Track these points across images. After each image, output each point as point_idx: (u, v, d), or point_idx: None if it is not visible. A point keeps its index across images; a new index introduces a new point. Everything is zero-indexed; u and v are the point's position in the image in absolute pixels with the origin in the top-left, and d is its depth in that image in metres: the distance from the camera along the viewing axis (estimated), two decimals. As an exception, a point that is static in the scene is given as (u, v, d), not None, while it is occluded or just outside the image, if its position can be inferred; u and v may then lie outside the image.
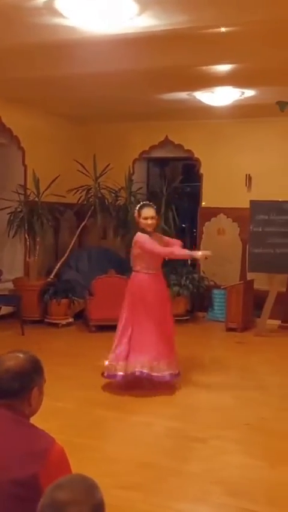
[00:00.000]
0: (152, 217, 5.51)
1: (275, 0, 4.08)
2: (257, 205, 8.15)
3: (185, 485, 3.61)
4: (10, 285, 8.38)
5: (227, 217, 9.07)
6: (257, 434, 4.52)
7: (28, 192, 8.48)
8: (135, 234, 5.65)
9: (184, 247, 6.00)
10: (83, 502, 1.41)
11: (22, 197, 8.44)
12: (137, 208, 5.65)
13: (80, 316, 8.42)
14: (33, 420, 2.07)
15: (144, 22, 4.45)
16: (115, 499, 3.06)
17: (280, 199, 8.15)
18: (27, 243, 8.50)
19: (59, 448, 1.92)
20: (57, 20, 4.46)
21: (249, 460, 4.01)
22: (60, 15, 4.32)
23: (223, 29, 4.56)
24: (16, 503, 1.77)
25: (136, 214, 5.60)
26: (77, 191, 9.03)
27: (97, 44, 5.05)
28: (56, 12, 4.29)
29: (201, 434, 4.44)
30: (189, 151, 9.23)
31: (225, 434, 4.45)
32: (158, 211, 8.62)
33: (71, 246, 9.04)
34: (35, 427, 1.99)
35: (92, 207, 8.97)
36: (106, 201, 9.08)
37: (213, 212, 9.15)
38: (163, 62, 5.70)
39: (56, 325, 8.16)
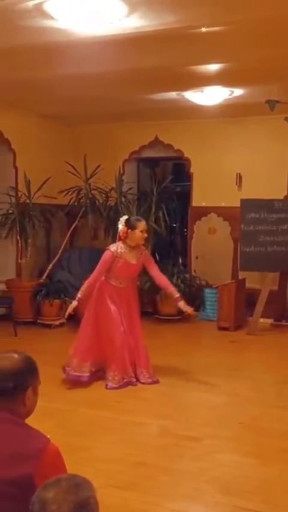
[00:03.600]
0: (146, 231, 5.68)
1: None
2: (247, 204, 8.18)
3: (178, 484, 3.62)
4: (2, 286, 8.38)
5: (218, 216, 9.10)
6: (250, 432, 4.54)
7: (19, 194, 8.48)
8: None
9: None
10: (62, 501, 1.43)
11: (13, 199, 8.43)
12: (132, 220, 5.64)
13: (73, 317, 8.39)
14: (27, 421, 2.08)
15: (133, 23, 4.47)
16: (109, 499, 3.09)
17: (271, 198, 8.18)
18: (19, 244, 8.50)
19: (54, 448, 1.92)
20: (47, 22, 4.46)
21: (242, 458, 4.02)
22: (50, 17, 4.33)
23: (204, 29, 4.58)
24: (11, 503, 1.78)
25: (129, 226, 5.58)
26: (68, 192, 9.03)
27: (87, 45, 5.05)
28: (45, 15, 4.30)
29: (194, 433, 4.45)
30: (179, 151, 9.25)
31: (218, 433, 4.46)
32: (148, 211, 8.78)
33: (62, 247, 9.04)
34: (29, 427, 1.99)
35: (83, 208, 8.97)
36: (97, 201, 9.08)
37: (204, 211, 9.17)
38: (152, 62, 5.71)
39: (48, 326, 8.15)
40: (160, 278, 5.82)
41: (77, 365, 5.61)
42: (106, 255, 5.60)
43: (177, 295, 5.78)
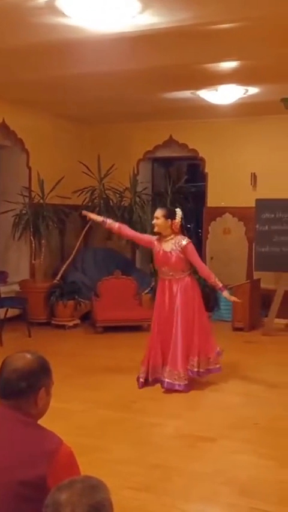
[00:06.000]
0: (155, 218, 5.54)
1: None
2: (262, 204, 8.11)
3: (194, 486, 3.57)
4: (16, 287, 8.38)
5: (233, 216, 9.04)
6: (266, 433, 4.49)
7: (33, 194, 8.48)
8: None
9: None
10: (76, 503, 1.40)
11: (27, 199, 8.44)
12: None
13: (87, 318, 8.40)
14: (40, 422, 2.05)
15: (146, 20, 4.44)
16: (124, 500, 3.06)
17: (286, 197, 8.11)
18: (33, 245, 8.50)
19: (67, 449, 1.90)
20: (59, 20, 4.45)
21: (258, 460, 3.97)
22: (62, 14, 4.31)
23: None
24: (24, 503, 1.75)
25: None
26: (82, 192, 9.02)
27: (99, 43, 5.03)
28: (57, 12, 4.28)
29: (210, 434, 4.41)
30: (193, 150, 9.20)
31: (234, 434, 4.42)
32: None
33: (76, 248, 9.02)
34: (42, 428, 1.97)
35: (97, 208, 8.94)
36: (111, 201, 9.06)
37: (219, 212, 9.12)
38: (166, 60, 5.68)
39: (62, 327, 8.14)
40: (200, 269, 5.65)
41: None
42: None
43: (220, 285, 5.67)
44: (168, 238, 5.51)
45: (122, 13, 4.25)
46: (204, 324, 5.67)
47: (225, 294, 5.79)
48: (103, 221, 5.70)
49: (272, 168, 8.59)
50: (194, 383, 5.58)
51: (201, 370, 5.53)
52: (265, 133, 8.71)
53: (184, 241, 5.48)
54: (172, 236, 5.51)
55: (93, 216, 5.83)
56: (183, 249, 5.44)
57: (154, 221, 5.54)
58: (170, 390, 5.39)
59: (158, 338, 5.56)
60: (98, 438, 4.31)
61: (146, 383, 5.51)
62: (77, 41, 4.98)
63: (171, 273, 5.51)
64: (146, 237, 5.91)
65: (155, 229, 5.57)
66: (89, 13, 4.22)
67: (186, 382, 5.41)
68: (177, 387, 5.38)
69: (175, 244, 5.47)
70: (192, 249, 5.50)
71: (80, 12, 4.24)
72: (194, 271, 5.72)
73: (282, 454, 4.05)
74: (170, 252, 5.47)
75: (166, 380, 5.41)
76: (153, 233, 5.78)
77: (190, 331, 5.49)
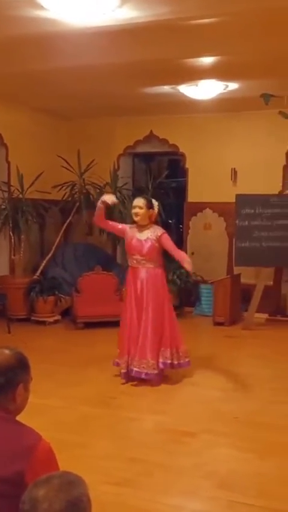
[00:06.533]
0: (138, 207, 5.55)
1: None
2: (242, 199, 8.14)
3: (174, 480, 3.58)
4: (-5, 283, 8.31)
5: (213, 211, 9.07)
6: (246, 427, 4.51)
7: (12, 189, 8.42)
8: None
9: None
10: (54, 499, 1.39)
11: (6, 194, 8.37)
12: None
13: (67, 314, 8.37)
14: (19, 418, 2.04)
15: (125, 14, 4.42)
16: (104, 495, 3.06)
17: (266, 193, 8.15)
18: (12, 240, 8.43)
19: (46, 445, 1.88)
20: (38, 13, 4.40)
21: (238, 453, 3.99)
22: (41, 7, 4.27)
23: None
24: (2, 500, 1.74)
25: None
26: (62, 187, 8.98)
27: (79, 36, 5.00)
28: (36, 4, 4.24)
29: (190, 428, 4.42)
30: (174, 145, 9.21)
31: (214, 428, 4.43)
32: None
33: (56, 243, 8.98)
34: (21, 424, 1.96)
35: (77, 203, 8.92)
36: (91, 196, 9.03)
37: (199, 207, 9.13)
38: (145, 54, 5.66)
39: (43, 322, 8.10)
40: (176, 253, 5.61)
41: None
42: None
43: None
44: (144, 228, 5.56)
45: (101, 6, 4.22)
46: (173, 317, 5.72)
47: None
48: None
49: (252, 164, 8.62)
50: (166, 378, 5.62)
51: (174, 362, 5.57)
52: (245, 129, 8.74)
53: (159, 231, 5.56)
54: (149, 226, 5.58)
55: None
56: (159, 239, 5.50)
57: (136, 210, 5.55)
58: (137, 379, 5.42)
59: (132, 327, 5.57)
60: (78, 434, 4.30)
61: (129, 374, 5.50)
62: (56, 34, 4.94)
63: (142, 262, 5.56)
64: (119, 225, 5.93)
65: (137, 219, 5.58)
66: (67, 6, 4.18)
67: (155, 371, 5.41)
68: (143, 376, 5.38)
69: (151, 234, 5.54)
70: (167, 238, 5.57)
71: (59, 5, 4.20)
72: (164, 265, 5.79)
73: (261, 447, 4.08)
74: (145, 240, 5.53)
75: (134, 369, 5.41)
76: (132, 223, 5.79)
77: (161, 322, 5.53)
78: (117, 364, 5.59)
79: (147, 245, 5.51)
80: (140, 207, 5.52)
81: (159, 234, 5.52)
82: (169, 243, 5.54)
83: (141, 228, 5.57)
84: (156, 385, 5.42)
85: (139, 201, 5.59)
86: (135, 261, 5.58)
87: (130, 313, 5.56)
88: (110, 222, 5.88)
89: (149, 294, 5.52)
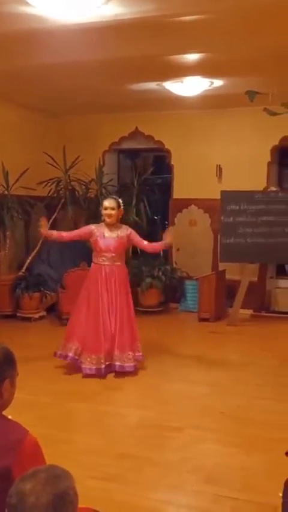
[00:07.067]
0: (111, 208, 5.74)
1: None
2: (227, 196, 8.18)
3: (161, 475, 3.61)
4: (-19, 280, 8.28)
5: (198, 208, 9.09)
6: (231, 422, 4.55)
7: (-3, 185, 8.38)
8: None
9: (156, 239, 6.17)
10: (40, 492, 1.40)
11: (-9, 190, 8.33)
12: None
13: (53, 310, 8.37)
14: (5, 413, 2.04)
15: (111, 10, 4.41)
16: (91, 490, 3.06)
17: (251, 189, 8.19)
18: (-3, 237, 8.40)
19: (32, 440, 1.90)
20: (23, 9, 4.39)
21: (224, 448, 4.03)
22: (26, 3, 4.25)
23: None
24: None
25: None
26: (47, 184, 8.95)
27: (64, 33, 4.98)
28: (21, 1, 4.22)
29: (176, 423, 4.45)
30: (159, 142, 9.22)
31: (200, 423, 4.47)
32: (129, 203, 8.74)
33: (42, 240, 8.95)
34: (7, 419, 1.97)
35: (63, 200, 8.90)
36: (77, 193, 9.02)
37: (185, 203, 9.16)
38: (131, 51, 5.66)
39: (28, 319, 8.10)
40: (145, 247, 5.99)
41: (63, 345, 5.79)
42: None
43: (161, 242, 5.99)
44: (113, 227, 5.77)
45: (87, 3, 4.22)
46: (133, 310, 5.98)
47: (163, 242, 5.98)
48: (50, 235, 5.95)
49: (237, 161, 8.66)
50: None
51: (142, 354, 5.81)
52: (230, 126, 8.77)
53: (128, 230, 5.85)
54: (117, 225, 5.81)
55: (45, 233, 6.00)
56: (129, 236, 5.80)
57: (108, 211, 5.74)
58: (121, 373, 5.57)
59: (97, 323, 5.67)
60: (64, 429, 4.32)
61: (107, 368, 5.62)
62: (42, 30, 4.92)
63: (112, 259, 5.73)
64: (84, 229, 6.09)
65: (110, 220, 5.75)
66: (53, 3, 4.17)
67: (135, 363, 5.67)
68: (127, 369, 5.59)
69: (121, 232, 5.78)
70: (135, 234, 5.88)
71: (45, 2, 4.19)
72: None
73: (247, 442, 4.11)
74: (115, 238, 5.73)
75: (117, 363, 5.59)
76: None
77: (132, 315, 5.83)
78: (65, 357, 5.77)
79: (117, 243, 5.73)
80: (112, 208, 5.75)
81: (128, 232, 5.80)
82: (138, 238, 5.87)
83: (110, 227, 5.76)
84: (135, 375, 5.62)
85: (111, 203, 5.82)
86: (104, 259, 5.74)
87: (102, 309, 5.69)
88: (72, 233, 6.07)
89: (121, 291, 5.75)
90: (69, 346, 5.74)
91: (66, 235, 6.02)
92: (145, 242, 5.92)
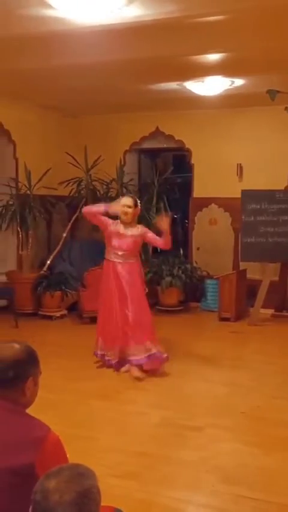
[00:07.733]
0: (128, 206, 5.74)
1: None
2: (248, 195, 8.16)
3: (180, 474, 3.63)
4: (3, 278, 8.39)
5: (219, 207, 9.08)
6: (251, 422, 4.56)
7: (20, 185, 8.47)
8: None
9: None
10: (64, 490, 1.43)
11: (14, 190, 8.43)
12: None
13: (74, 308, 8.43)
14: (28, 412, 2.08)
15: (133, 12, 4.43)
16: (111, 488, 3.10)
17: (271, 188, 8.16)
18: (20, 236, 8.49)
19: (55, 437, 1.92)
20: (46, 11, 4.43)
21: (244, 448, 4.03)
22: (49, 6, 4.30)
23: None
24: (13, 491, 1.78)
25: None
26: (69, 183, 9.01)
27: (86, 34, 5.02)
28: (44, 3, 4.27)
29: (196, 423, 4.46)
30: (180, 141, 9.22)
31: (220, 423, 4.47)
32: (150, 202, 8.77)
33: (63, 239, 9.03)
34: (30, 416, 1.99)
35: (84, 199, 8.95)
36: (98, 192, 9.07)
37: (205, 202, 9.16)
38: (152, 52, 5.67)
39: (49, 317, 8.17)
40: (159, 242, 5.92)
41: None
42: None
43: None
44: (129, 225, 5.80)
45: (109, 5, 4.25)
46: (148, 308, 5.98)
47: (163, 233, 5.85)
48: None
49: (258, 160, 8.63)
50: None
51: (167, 355, 5.79)
52: (251, 125, 8.74)
53: (143, 228, 5.91)
54: (133, 223, 5.84)
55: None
56: (145, 234, 5.84)
57: (126, 209, 5.74)
58: (143, 371, 5.62)
59: (115, 319, 5.75)
60: (85, 428, 4.35)
61: (120, 364, 5.73)
62: (64, 32, 4.96)
63: (124, 257, 5.78)
64: (105, 219, 5.95)
65: (126, 217, 5.76)
66: (75, 5, 4.22)
67: (154, 354, 5.67)
68: (141, 361, 5.63)
69: (136, 231, 5.82)
70: (151, 233, 5.92)
71: (67, 4, 4.23)
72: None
73: (267, 442, 4.11)
74: (131, 236, 5.77)
75: (134, 358, 5.66)
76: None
77: (146, 308, 5.87)
78: (102, 356, 5.86)
79: (131, 241, 5.78)
80: (129, 206, 5.76)
81: (144, 231, 5.85)
82: (153, 235, 5.89)
83: (126, 224, 5.79)
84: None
85: (129, 201, 5.83)
86: (117, 255, 5.80)
87: (114, 305, 5.76)
88: (102, 213, 5.97)
89: (134, 285, 5.80)
90: (98, 344, 5.89)
91: (103, 209, 5.87)
92: (159, 240, 5.86)
